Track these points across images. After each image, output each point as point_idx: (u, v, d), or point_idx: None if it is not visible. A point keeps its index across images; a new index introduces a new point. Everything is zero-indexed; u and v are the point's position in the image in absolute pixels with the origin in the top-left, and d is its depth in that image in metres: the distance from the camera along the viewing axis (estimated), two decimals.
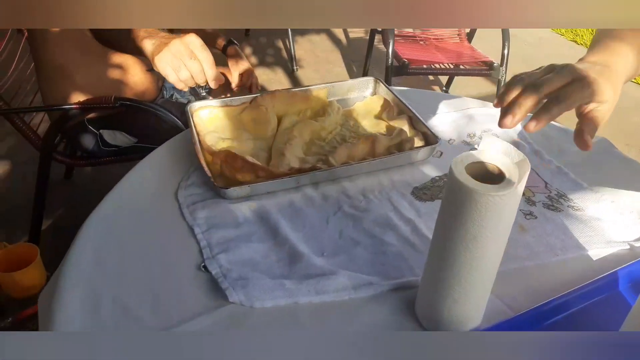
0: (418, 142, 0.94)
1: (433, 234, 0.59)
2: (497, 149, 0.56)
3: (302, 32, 3.47)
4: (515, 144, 0.99)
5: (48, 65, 1.38)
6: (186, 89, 1.01)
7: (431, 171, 0.91)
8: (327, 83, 1.08)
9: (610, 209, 0.84)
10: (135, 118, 1.47)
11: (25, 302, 1.28)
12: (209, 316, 0.64)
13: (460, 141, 1.00)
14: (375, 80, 1.10)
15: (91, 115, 1.44)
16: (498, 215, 0.51)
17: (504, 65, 2.28)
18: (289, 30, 3.06)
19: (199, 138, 0.91)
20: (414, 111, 0.99)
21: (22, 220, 1.67)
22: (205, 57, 0.96)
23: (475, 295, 0.59)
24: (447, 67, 2.42)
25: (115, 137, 1.50)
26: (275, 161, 0.87)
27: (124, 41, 1.12)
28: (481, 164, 0.54)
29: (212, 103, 0.99)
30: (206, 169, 0.83)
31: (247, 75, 1.60)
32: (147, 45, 1.03)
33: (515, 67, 3.07)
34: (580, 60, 0.72)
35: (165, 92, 1.55)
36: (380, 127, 1.00)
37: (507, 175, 0.52)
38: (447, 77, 2.95)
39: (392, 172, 0.91)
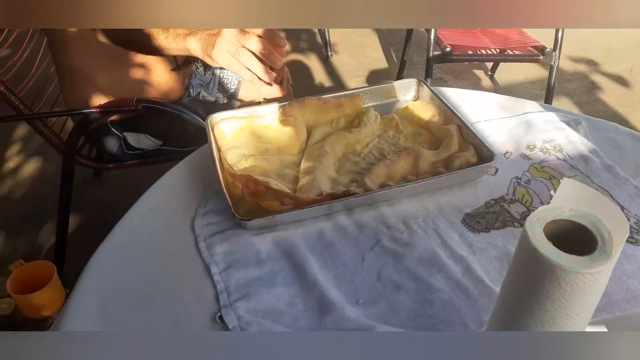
0: (469, 157, 0.81)
1: (497, 301, 0.47)
2: (580, 196, 0.44)
3: None
4: (583, 157, 0.85)
5: (69, 68, 1.31)
6: (252, 80, 0.87)
7: (485, 193, 0.79)
8: (363, 87, 0.95)
9: None
10: (159, 120, 1.39)
11: (42, 323, 1.23)
12: None
13: (518, 154, 0.86)
14: (418, 82, 0.97)
15: (114, 117, 1.37)
16: (587, 295, 0.39)
17: (557, 50, 2.08)
18: None
19: (219, 155, 0.81)
20: (463, 120, 0.86)
21: (52, 222, 1.63)
22: (259, 32, 0.86)
23: None
24: (494, 52, 2.24)
25: (140, 140, 1.43)
26: (304, 185, 0.76)
27: (143, 43, 1.02)
28: (564, 222, 0.41)
29: (235, 114, 0.89)
30: (226, 194, 0.73)
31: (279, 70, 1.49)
32: (192, 43, 0.92)
33: (565, 48, 2.85)
34: None
35: (192, 90, 1.46)
36: (424, 138, 0.88)
37: (599, 241, 0.40)
38: (491, 64, 2.76)
39: (438, 194, 0.79)
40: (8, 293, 1.24)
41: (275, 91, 1.37)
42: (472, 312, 0.61)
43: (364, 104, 0.94)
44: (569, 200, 0.43)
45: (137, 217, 0.76)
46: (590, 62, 2.80)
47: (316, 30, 3.19)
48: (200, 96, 1.48)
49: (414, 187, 0.76)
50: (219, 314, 0.61)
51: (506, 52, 2.23)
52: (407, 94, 0.98)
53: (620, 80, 2.65)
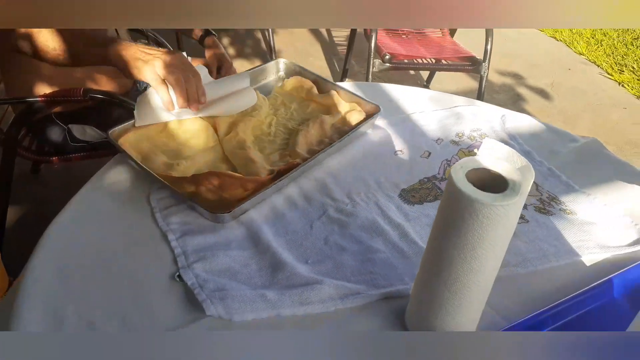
0: (358, 113, 0.96)
1: (428, 242, 0.55)
2: (499, 154, 0.53)
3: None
4: (505, 143, 0.96)
5: (12, 55, 1.29)
6: (168, 105, 0.86)
7: (419, 172, 0.87)
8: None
9: (603, 212, 0.81)
10: (107, 112, 1.39)
11: None
12: (183, 332, 0.59)
13: (448, 141, 0.96)
14: (285, 62, 1.10)
15: (58, 108, 1.36)
16: (500, 226, 0.47)
17: (487, 61, 2.26)
18: None
19: (145, 165, 0.79)
20: (338, 84, 1.00)
21: None
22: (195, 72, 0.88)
23: (470, 309, 0.55)
24: (430, 61, 2.39)
25: (85, 132, 1.42)
26: (248, 170, 0.81)
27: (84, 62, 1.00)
28: (483, 170, 0.50)
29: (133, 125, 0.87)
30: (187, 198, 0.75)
31: (226, 69, 1.54)
32: (116, 53, 0.88)
33: (495, 61, 3.06)
34: None
35: (139, 84, 1.48)
36: (312, 107, 0.99)
37: (510, 183, 0.48)
38: (429, 72, 2.92)
39: (378, 172, 0.86)
40: None
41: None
42: (408, 269, 0.68)
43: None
44: (489, 155, 0.52)
45: (93, 190, 0.78)
46: (517, 76, 3.04)
47: (261, 36, 3.26)
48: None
49: (338, 145, 0.88)
50: (178, 273, 0.65)
51: (441, 62, 2.38)
52: (278, 73, 1.11)
53: (543, 93, 2.89)
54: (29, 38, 0.97)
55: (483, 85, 2.28)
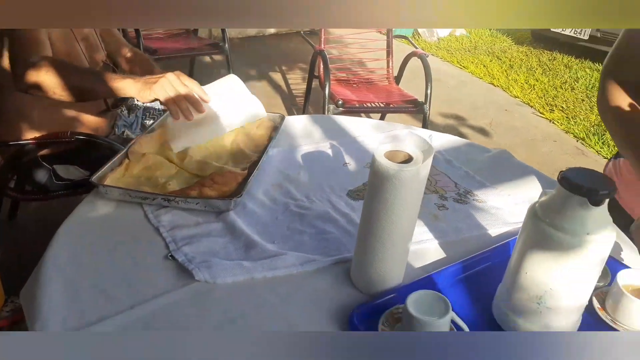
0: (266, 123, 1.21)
1: (362, 212, 0.74)
2: (411, 140, 0.73)
3: (245, 78, 3.65)
4: None
5: (5, 107, 1.44)
6: (177, 115, 1.08)
7: (362, 178, 1.08)
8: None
9: (507, 200, 1.03)
10: (89, 153, 1.55)
11: None
12: (177, 293, 0.75)
13: None
14: None
15: (45, 151, 1.51)
16: (408, 187, 0.67)
17: (428, 103, 2.55)
18: (231, 72, 3.24)
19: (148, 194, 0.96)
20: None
21: None
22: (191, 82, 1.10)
23: (395, 256, 0.74)
24: (379, 105, 2.66)
25: (69, 171, 1.57)
26: (224, 173, 1.00)
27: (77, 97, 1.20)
28: (396, 151, 0.70)
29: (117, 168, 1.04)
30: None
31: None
32: (128, 83, 1.11)
33: (439, 106, 3.38)
34: None
35: (117, 129, 1.65)
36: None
37: (414, 158, 0.68)
38: (380, 115, 3.21)
39: (330, 179, 1.06)
40: None
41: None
42: (353, 243, 0.86)
43: None
44: (403, 141, 0.72)
45: (95, 199, 0.95)
46: (459, 118, 3.36)
47: None
48: (125, 135, 1.67)
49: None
50: (170, 253, 0.82)
51: (390, 105, 2.66)
52: None
53: (483, 132, 3.20)
54: (38, 83, 1.15)
55: (427, 123, 2.55)
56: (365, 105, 2.61)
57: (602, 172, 0.96)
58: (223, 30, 3.24)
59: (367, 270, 0.74)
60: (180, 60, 3.15)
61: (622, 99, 0.96)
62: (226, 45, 3.20)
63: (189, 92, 1.09)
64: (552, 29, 4.89)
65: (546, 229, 0.61)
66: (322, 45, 2.90)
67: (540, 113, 3.53)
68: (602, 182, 0.59)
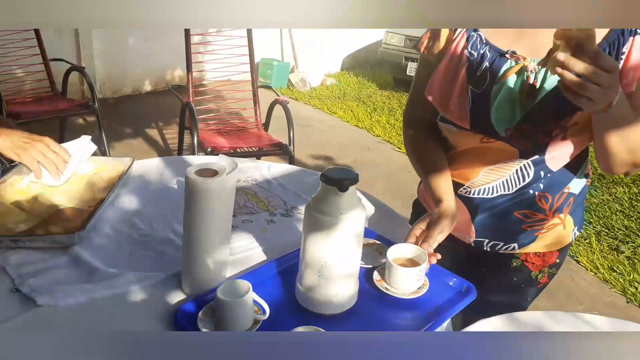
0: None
1: (183, 224, 0.88)
2: (220, 162, 0.89)
3: (120, 137, 3.69)
4: (267, 182, 1.36)
5: None
6: (39, 174, 1.18)
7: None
8: None
9: None
10: None
11: None
12: (19, 318, 0.83)
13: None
14: None
15: None
16: (214, 195, 0.83)
17: (292, 145, 2.79)
18: (102, 132, 3.27)
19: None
20: None
21: None
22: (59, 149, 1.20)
23: (214, 255, 0.88)
24: (250, 150, 2.86)
25: None
26: (72, 211, 1.10)
27: None
28: (205, 169, 0.86)
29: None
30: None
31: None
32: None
33: (311, 148, 3.65)
34: None
35: None
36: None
37: (219, 172, 0.85)
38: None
39: (174, 209, 1.20)
40: None
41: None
42: None
43: None
44: (210, 161, 0.88)
45: None
46: (327, 158, 3.66)
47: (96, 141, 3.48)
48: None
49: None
50: (15, 287, 0.89)
51: (263, 149, 2.86)
52: None
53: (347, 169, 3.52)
54: None
55: (293, 163, 2.78)
56: (237, 150, 2.79)
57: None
58: (92, 90, 3.28)
59: (191, 274, 0.88)
60: (49, 123, 3.14)
61: (416, 139, 1.14)
62: (96, 104, 3.24)
63: (57, 159, 1.19)
64: (408, 73, 5.49)
65: (314, 215, 0.80)
66: (191, 98, 3.06)
67: (398, 148, 3.95)
68: (348, 175, 0.80)
